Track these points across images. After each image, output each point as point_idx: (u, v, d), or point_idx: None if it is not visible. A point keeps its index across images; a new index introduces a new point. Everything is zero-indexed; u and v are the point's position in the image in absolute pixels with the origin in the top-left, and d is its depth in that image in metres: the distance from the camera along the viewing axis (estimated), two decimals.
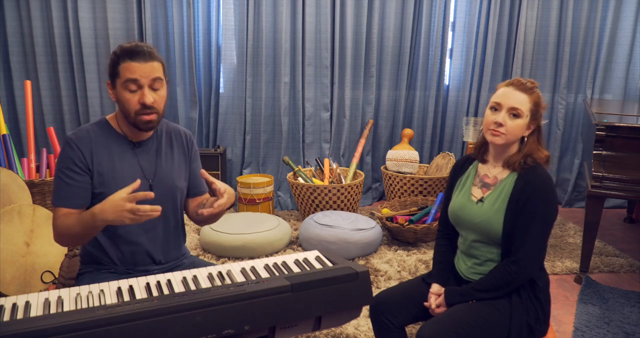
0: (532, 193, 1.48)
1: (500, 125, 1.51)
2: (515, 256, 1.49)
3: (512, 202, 1.52)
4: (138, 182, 1.33)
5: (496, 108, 1.54)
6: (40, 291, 1.14)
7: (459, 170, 1.72)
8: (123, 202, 1.29)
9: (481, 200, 1.59)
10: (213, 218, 1.60)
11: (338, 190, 3.40)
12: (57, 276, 2.31)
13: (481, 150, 1.66)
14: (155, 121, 1.49)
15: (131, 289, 1.16)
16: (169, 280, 1.20)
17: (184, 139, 1.67)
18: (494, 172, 1.61)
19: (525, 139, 1.57)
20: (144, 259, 1.57)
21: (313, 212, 3.45)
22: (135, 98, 1.44)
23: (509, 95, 1.52)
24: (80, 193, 1.48)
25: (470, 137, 3.78)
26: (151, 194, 1.31)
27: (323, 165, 3.76)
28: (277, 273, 1.23)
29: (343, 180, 3.67)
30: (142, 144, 1.57)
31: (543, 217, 1.49)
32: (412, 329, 2.12)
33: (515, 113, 1.51)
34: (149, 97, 1.44)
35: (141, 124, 1.47)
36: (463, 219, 1.61)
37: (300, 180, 3.54)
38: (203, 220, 1.67)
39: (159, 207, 1.31)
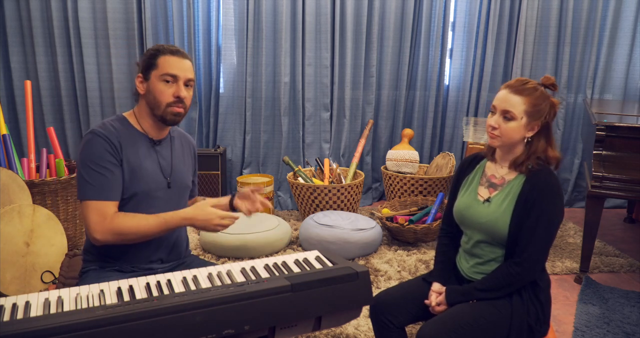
0: (539, 196, 1.48)
1: (495, 128, 1.53)
2: (520, 257, 1.49)
3: (519, 204, 1.51)
4: (239, 216, 1.51)
5: (493, 111, 1.56)
6: (40, 291, 1.14)
7: (465, 169, 1.72)
8: (217, 217, 1.45)
9: (488, 200, 1.58)
10: None
11: (338, 190, 3.40)
12: (57, 276, 2.31)
13: (491, 149, 1.67)
14: (182, 115, 1.56)
15: (131, 289, 1.15)
16: (169, 280, 1.20)
17: (191, 145, 1.78)
18: (501, 172, 1.61)
19: (530, 140, 1.56)
20: (149, 257, 1.58)
21: (313, 212, 3.45)
22: (170, 90, 1.51)
23: (502, 98, 1.53)
24: (118, 184, 1.48)
25: (470, 137, 3.78)
26: (238, 216, 1.49)
27: (323, 165, 3.76)
28: (277, 273, 1.23)
29: (343, 180, 3.66)
30: (161, 141, 1.62)
31: (549, 220, 1.48)
32: (412, 329, 2.12)
33: (507, 116, 1.52)
34: (184, 91, 1.53)
35: (170, 115, 1.53)
36: (468, 219, 1.61)
37: (300, 180, 3.54)
38: None
39: (238, 215, 1.50)
